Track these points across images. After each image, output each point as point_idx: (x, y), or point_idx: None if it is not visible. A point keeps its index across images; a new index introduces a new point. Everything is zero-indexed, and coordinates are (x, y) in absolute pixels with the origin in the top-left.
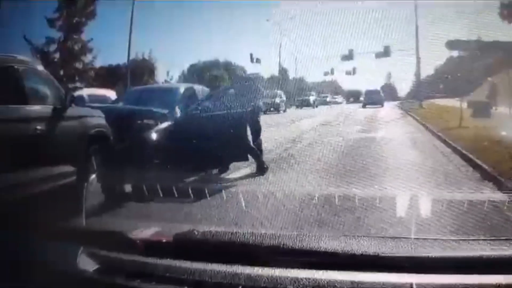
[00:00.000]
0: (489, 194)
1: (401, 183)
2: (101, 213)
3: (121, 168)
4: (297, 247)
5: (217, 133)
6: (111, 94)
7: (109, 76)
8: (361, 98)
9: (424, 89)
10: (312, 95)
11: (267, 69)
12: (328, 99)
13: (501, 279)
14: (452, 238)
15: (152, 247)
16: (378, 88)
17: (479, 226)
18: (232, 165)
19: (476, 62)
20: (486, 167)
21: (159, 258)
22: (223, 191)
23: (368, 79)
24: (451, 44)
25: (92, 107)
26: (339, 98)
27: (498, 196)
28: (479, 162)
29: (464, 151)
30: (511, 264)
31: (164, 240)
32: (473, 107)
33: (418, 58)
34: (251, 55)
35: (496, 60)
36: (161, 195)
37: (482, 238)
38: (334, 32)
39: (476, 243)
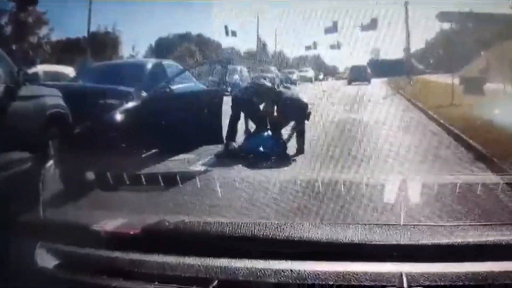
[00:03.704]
0: (483, 176)
1: (389, 167)
2: (61, 204)
3: (82, 153)
4: (277, 237)
5: (188, 114)
6: (70, 71)
7: (67, 51)
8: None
9: (413, 65)
10: (294, 72)
11: (243, 43)
12: (309, 75)
13: (495, 267)
14: (444, 224)
15: (118, 240)
16: (365, 64)
17: (472, 211)
18: (206, 149)
19: (468, 35)
20: (479, 147)
21: (126, 252)
22: (196, 177)
23: (353, 54)
24: (442, 16)
25: (49, 86)
26: (321, 75)
27: (492, 178)
28: (471, 142)
29: (456, 131)
30: (506, 250)
31: (131, 232)
32: (465, 84)
33: (407, 31)
34: (225, 27)
35: (489, 33)
36: (128, 183)
37: (476, 223)
38: (317, 1)
39: (469, 228)
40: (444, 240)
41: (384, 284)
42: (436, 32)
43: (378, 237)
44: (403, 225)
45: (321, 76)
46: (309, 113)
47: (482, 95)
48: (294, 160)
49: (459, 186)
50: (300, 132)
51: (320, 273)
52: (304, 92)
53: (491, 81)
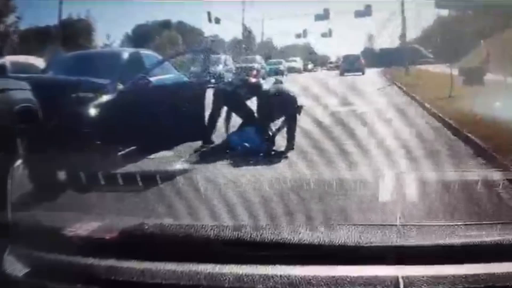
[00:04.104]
0: (483, 172)
1: (385, 164)
2: (31, 206)
3: (54, 151)
4: (265, 240)
5: (168, 108)
6: (39, 62)
7: (36, 40)
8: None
9: (410, 54)
10: (281, 62)
11: (228, 31)
12: (298, 66)
13: (496, 268)
14: (442, 223)
15: (93, 245)
16: (358, 53)
17: (472, 209)
18: (188, 146)
19: (468, 23)
20: (479, 142)
21: (102, 258)
22: (177, 176)
23: (346, 42)
24: (441, 3)
25: (17, 78)
26: (312, 65)
27: (493, 174)
28: (471, 136)
29: (455, 125)
30: (508, 251)
31: (107, 237)
32: (464, 74)
33: (403, 19)
34: (208, 14)
35: (490, 21)
36: (103, 183)
37: (476, 222)
38: None
39: (469, 228)
40: (443, 241)
41: None
42: (434, 20)
43: (373, 238)
44: (400, 225)
45: (310, 66)
46: (300, 107)
47: (482, 86)
48: (284, 157)
49: (459, 183)
50: (290, 127)
51: (311, 278)
52: (294, 84)
53: (492, 72)
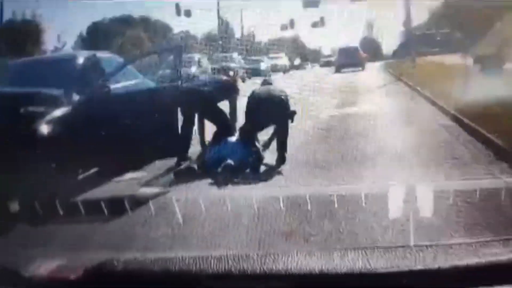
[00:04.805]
0: (507, 179)
1: (393, 174)
2: None
3: (1, 177)
4: (257, 271)
5: (135, 120)
6: None
7: None
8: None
9: (416, 43)
10: (263, 61)
11: (201, 25)
12: (282, 63)
13: None
14: (463, 241)
15: (56, 286)
16: (356, 45)
17: (497, 223)
18: (160, 165)
19: (482, 4)
20: (501, 143)
21: None
22: (149, 201)
23: (341, 32)
24: None
25: None
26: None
27: None
28: (491, 136)
29: (472, 124)
30: None
31: (71, 277)
32: (480, 64)
33: (407, 1)
34: (177, 6)
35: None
36: (62, 213)
37: (502, 238)
38: None
39: (494, 246)
40: (464, 262)
41: None
42: (442, 1)
43: (383, 263)
44: (414, 246)
45: (297, 63)
46: (293, 112)
47: (501, 76)
48: (275, 173)
49: (479, 192)
50: (280, 137)
51: None
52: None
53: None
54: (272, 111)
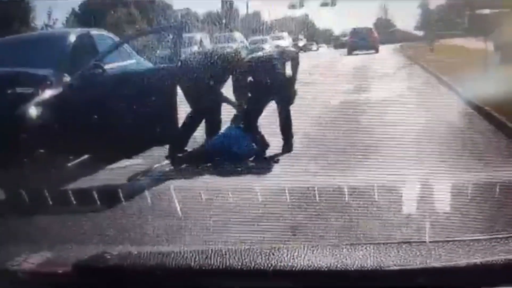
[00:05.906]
0: None
1: (408, 166)
2: None
3: None
4: (262, 267)
5: (130, 103)
6: None
7: None
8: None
9: (434, 26)
10: (267, 42)
11: (203, 2)
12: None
13: None
14: (482, 237)
15: (44, 281)
16: (370, 26)
17: None
18: (157, 152)
19: None
20: None
21: None
22: (145, 191)
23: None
24: None
25: None
26: (312, 44)
27: None
28: None
29: (494, 113)
30: None
31: (60, 271)
32: (502, 49)
33: None
34: None
35: None
36: (51, 203)
37: None
38: None
39: None
40: (484, 259)
41: None
42: None
43: (398, 259)
44: (430, 242)
45: (301, 44)
46: (294, 92)
47: None
48: (280, 162)
49: (500, 186)
50: (284, 121)
51: None
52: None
53: None
54: (271, 91)
